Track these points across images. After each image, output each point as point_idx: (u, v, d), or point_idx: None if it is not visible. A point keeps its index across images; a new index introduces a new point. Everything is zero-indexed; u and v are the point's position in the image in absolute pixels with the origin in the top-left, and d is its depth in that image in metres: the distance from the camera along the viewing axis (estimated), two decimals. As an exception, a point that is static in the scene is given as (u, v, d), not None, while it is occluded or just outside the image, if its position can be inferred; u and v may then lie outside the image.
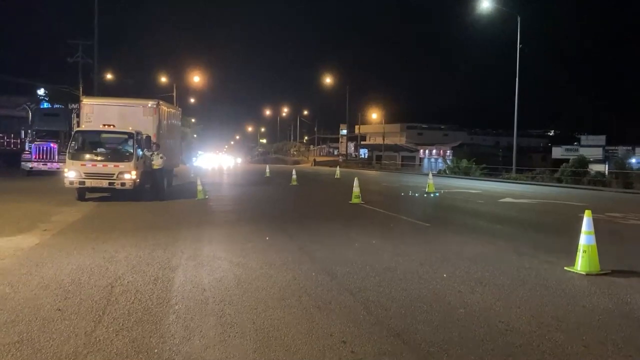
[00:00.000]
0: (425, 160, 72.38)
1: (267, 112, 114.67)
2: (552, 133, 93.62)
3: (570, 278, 6.81)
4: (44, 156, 27.45)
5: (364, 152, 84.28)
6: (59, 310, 5.11)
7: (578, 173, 33.88)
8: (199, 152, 71.29)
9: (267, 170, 38.04)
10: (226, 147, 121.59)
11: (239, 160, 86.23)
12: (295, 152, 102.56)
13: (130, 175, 15.15)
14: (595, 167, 38.44)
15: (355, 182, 16.75)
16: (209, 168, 48.91)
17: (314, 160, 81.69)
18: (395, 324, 4.91)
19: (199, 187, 17.29)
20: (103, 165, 15.26)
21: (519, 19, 35.81)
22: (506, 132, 72.65)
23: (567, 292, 6.21)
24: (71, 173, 15.13)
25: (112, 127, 16.22)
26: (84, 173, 15.09)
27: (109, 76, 46.87)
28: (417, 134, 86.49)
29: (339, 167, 42.34)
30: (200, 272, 6.80)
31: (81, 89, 36.98)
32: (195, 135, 79.88)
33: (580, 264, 7.02)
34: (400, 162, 72.70)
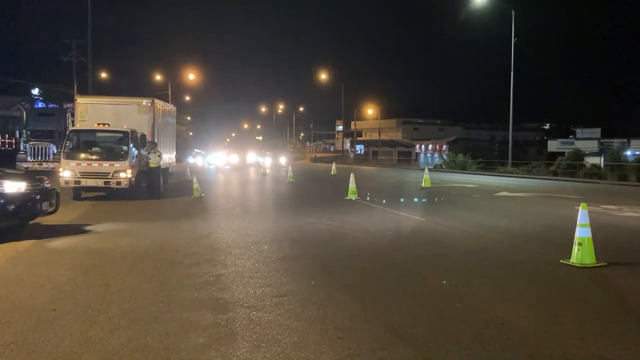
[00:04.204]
0: (422, 156, 72.40)
1: (263, 109, 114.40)
2: (547, 126, 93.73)
3: (566, 271, 6.82)
4: (39, 156, 27.39)
5: (360, 148, 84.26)
6: (54, 310, 5.09)
7: (574, 166, 33.98)
8: (196, 150, 70.76)
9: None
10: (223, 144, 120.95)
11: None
12: (291, 149, 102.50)
13: (126, 174, 15.12)
14: (590, 160, 38.56)
15: (352, 178, 16.76)
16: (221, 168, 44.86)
17: (315, 156, 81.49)
18: (391, 319, 4.90)
19: (195, 185, 17.29)
20: (98, 165, 15.21)
21: (513, 13, 35.88)
22: (501, 126, 72.68)
23: (563, 284, 6.22)
24: (66, 172, 15.09)
25: (106, 126, 16.17)
26: (80, 172, 15.05)
27: (103, 75, 46.66)
28: (412, 129, 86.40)
29: (335, 163, 42.41)
30: (196, 271, 6.78)
31: (75, 88, 36.73)
32: (191, 133, 79.65)
33: (576, 257, 7.02)
34: (396, 158, 72.79)
